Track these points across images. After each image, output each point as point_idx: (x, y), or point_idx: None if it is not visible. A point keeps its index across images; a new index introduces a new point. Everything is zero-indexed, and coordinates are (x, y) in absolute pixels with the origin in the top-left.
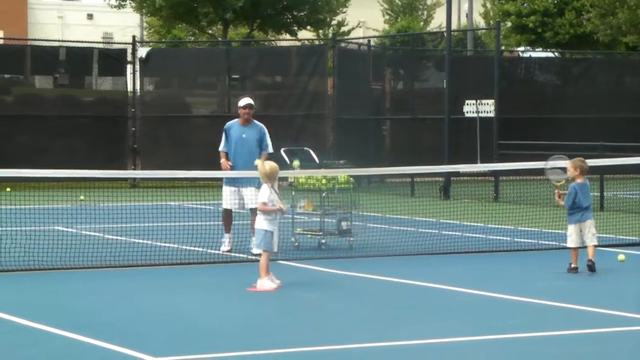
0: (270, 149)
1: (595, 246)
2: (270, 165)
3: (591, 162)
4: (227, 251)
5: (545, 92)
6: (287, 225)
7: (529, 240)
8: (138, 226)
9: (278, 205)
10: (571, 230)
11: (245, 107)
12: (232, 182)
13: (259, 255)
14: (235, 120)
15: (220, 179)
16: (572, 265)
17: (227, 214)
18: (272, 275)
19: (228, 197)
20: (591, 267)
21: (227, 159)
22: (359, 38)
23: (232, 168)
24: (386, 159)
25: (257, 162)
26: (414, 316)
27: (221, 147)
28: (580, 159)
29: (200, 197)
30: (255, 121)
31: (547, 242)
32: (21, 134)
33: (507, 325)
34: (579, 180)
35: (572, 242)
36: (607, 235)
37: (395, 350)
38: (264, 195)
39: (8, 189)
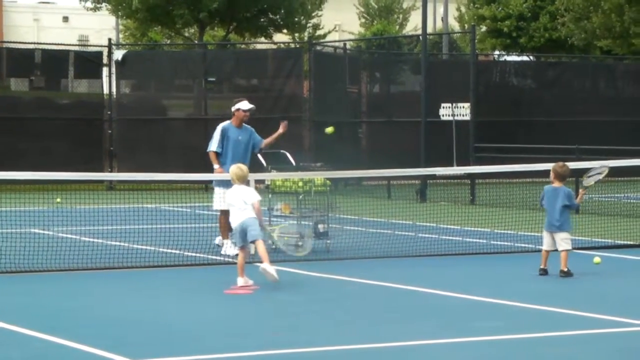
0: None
1: (567, 251)
2: (246, 169)
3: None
4: (236, 254)
5: (520, 96)
6: None
7: (505, 243)
8: (115, 228)
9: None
10: (544, 232)
11: (247, 110)
12: (226, 185)
13: (237, 256)
14: (229, 122)
15: (197, 182)
16: (540, 267)
17: (225, 216)
18: (246, 278)
19: (222, 198)
20: (563, 276)
21: (218, 159)
22: (335, 41)
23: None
24: (363, 161)
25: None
26: (391, 318)
27: (215, 147)
28: (560, 163)
29: (177, 199)
30: (245, 124)
31: (523, 245)
32: None
33: (483, 328)
34: (554, 184)
35: (544, 244)
36: (583, 238)
37: (372, 352)
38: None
39: None
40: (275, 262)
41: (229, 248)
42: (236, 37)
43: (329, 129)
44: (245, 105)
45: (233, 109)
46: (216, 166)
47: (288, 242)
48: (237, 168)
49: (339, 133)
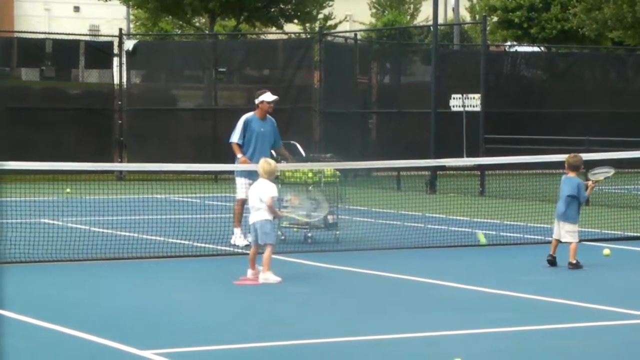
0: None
1: (575, 243)
2: (275, 164)
3: None
4: (247, 245)
5: (531, 87)
6: None
7: (515, 234)
8: (124, 219)
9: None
10: (555, 221)
11: (271, 102)
12: (247, 174)
13: (246, 247)
14: (252, 113)
15: (207, 172)
16: (549, 253)
17: (241, 206)
18: (257, 270)
19: (243, 188)
20: (571, 268)
21: (241, 151)
22: (345, 32)
23: (251, 161)
24: (372, 152)
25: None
26: (399, 310)
27: (236, 139)
28: (571, 154)
29: (187, 190)
30: (268, 115)
31: (532, 236)
32: (7, 127)
33: (493, 319)
34: (568, 175)
35: (554, 232)
36: (592, 230)
37: (381, 343)
38: (275, 190)
39: None
40: (285, 254)
41: (238, 238)
42: (247, 27)
43: (482, 239)
44: (268, 97)
45: (257, 101)
46: (239, 155)
47: (300, 212)
48: (265, 162)
49: (349, 125)
